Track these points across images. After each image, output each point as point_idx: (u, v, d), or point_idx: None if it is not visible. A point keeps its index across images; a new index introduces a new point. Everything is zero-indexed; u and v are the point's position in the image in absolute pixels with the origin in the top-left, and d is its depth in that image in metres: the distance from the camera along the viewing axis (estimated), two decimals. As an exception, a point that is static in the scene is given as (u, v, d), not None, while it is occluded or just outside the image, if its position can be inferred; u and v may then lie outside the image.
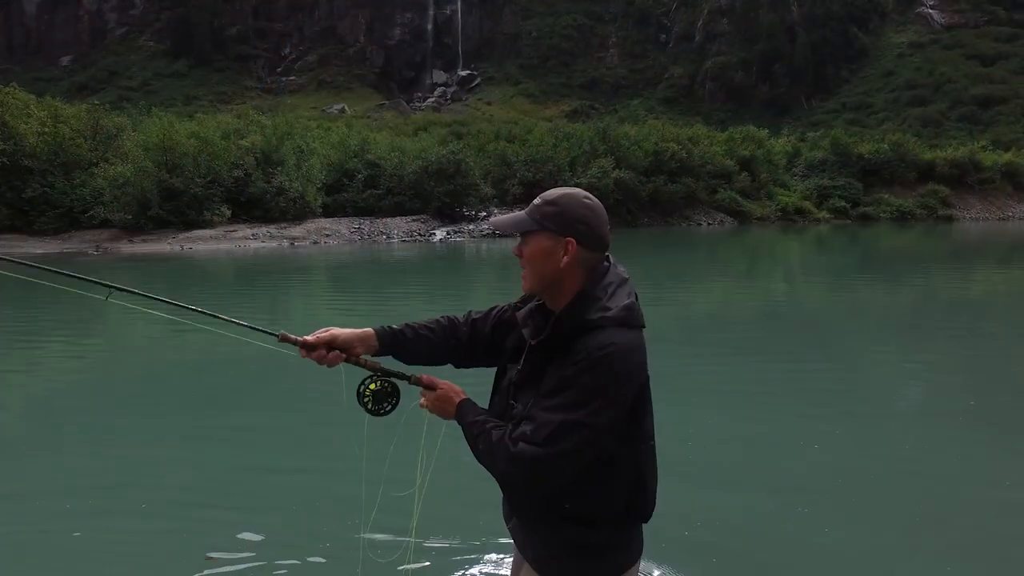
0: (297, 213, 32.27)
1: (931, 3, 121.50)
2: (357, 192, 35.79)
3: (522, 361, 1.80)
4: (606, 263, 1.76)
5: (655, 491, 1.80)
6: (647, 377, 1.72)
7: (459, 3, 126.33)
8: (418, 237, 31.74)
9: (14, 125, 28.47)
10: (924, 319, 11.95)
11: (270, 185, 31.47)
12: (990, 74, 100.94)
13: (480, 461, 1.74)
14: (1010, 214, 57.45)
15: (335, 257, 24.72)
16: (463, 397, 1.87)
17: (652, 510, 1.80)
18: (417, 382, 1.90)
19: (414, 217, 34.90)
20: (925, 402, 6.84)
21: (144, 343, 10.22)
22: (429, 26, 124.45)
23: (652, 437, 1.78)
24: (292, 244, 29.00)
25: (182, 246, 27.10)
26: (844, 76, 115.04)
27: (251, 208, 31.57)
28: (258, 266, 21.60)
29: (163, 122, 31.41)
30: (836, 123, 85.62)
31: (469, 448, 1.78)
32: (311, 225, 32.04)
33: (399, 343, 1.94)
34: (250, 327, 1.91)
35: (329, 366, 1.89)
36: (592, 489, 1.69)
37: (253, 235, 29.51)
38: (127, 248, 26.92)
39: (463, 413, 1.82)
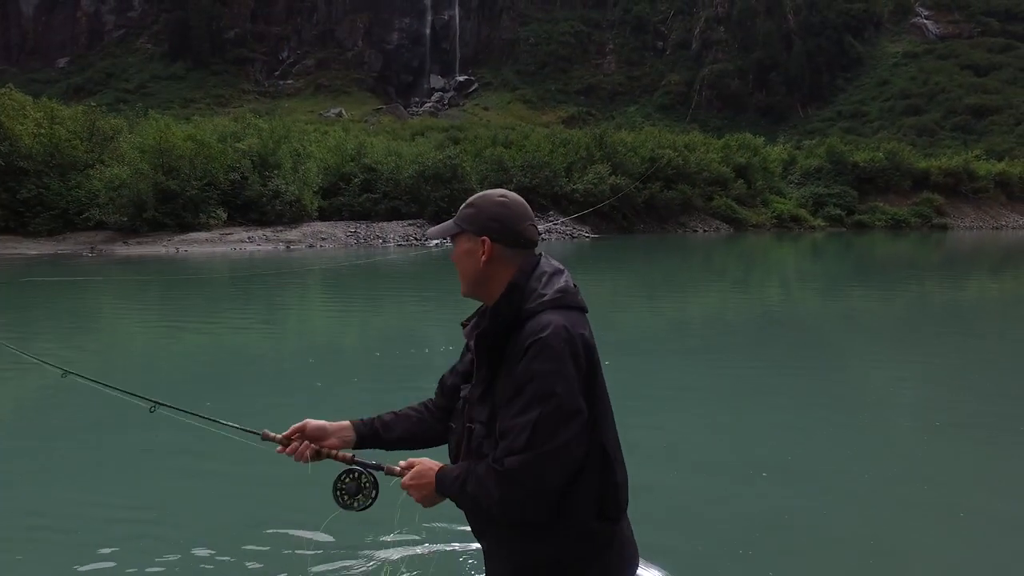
0: (293, 216, 32.25)
1: (926, 13, 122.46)
2: (353, 196, 35.81)
3: (473, 376, 1.75)
4: (537, 257, 1.75)
5: (625, 484, 1.70)
6: (595, 358, 1.65)
7: (457, 8, 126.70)
8: (414, 241, 31.75)
9: (10, 126, 28.41)
10: (916, 326, 12.00)
11: (266, 188, 31.47)
12: (984, 84, 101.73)
13: (477, 508, 1.64)
14: (1004, 223, 57.83)
15: (331, 260, 24.70)
16: (437, 465, 1.75)
17: (625, 506, 1.71)
18: (391, 471, 1.79)
19: (410, 221, 34.93)
20: (916, 408, 6.87)
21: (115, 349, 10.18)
22: (427, 31, 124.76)
23: (613, 422, 1.70)
24: (288, 247, 28.97)
25: (177, 248, 27.04)
26: (839, 85, 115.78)
27: (247, 211, 31.55)
28: (254, 269, 21.57)
29: (160, 124, 31.39)
30: (831, 131, 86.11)
31: (464, 511, 1.69)
32: (307, 228, 32.03)
33: (376, 427, 1.88)
34: (235, 426, 1.95)
35: (303, 461, 1.83)
36: (565, 490, 1.59)
37: (249, 238, 29.47)
38: (122, 250, 26.85)
39: (444, 476, 1.70)
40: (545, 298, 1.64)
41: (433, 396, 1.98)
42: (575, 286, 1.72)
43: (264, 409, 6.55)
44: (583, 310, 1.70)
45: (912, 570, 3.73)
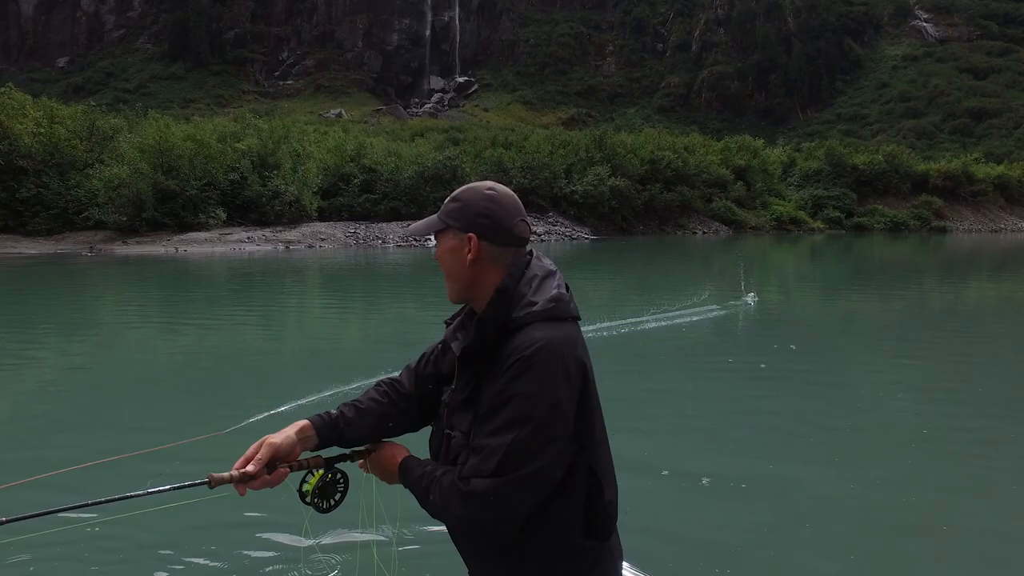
0: (292, 217, 32.27)
1: (925, 16, 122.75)
2: (353, 197, 35.86)
3: (454, 380, 1.62)
4: (528, 257, 1.61)
5: (615, 502, 1.61)
6: (589, 373, 1.54)
7: (457, 10, 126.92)
8: (413, 242, 31.76)
9: (10, 125, 28.44)
10: (914, 328, 12.01)
11: (266, 188, 31.49)
12: (983, 87, 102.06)
13: (436, 516, 1.56)
14: (1002, 226, 58.01)
15: (330, 261, 24.70)
16: (405, 454, 1.67)
17: (614, 524, 1.62)
18: (358, 456, 1.71)
19: (410, 222, 34.96)
20: (911, 414, 6.87)
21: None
22: (427, 32, 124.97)
23: (605, 441, 1.60)
24: (287, 248, 28.97)
25: (176, 248, 27.03)
26: (839, 87, 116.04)
27: (246, 211, 31.57)
28: (252, 269, 21.56)
29: (159, 124, 31.43)
30: (831, 134, 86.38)
31: (423, 508, 1.59)
32: (306, 229, 32.05)
33: (341, 428, 1.70)
34: (171, 488, 1.63)
35: (273, 487, 1.62)
36: (545, 510, 1.50)
37: (248, 238, 29.47)
38: (121, 250, 26.84)
39: (407, 471, 1.62)
40: (535, 308, 1.50)
41: (399, 375, 1.83)
42: (568, 291, 1.59)
43: (261, 408, 6.55)
44: (576, 319, 1.58)
45: None
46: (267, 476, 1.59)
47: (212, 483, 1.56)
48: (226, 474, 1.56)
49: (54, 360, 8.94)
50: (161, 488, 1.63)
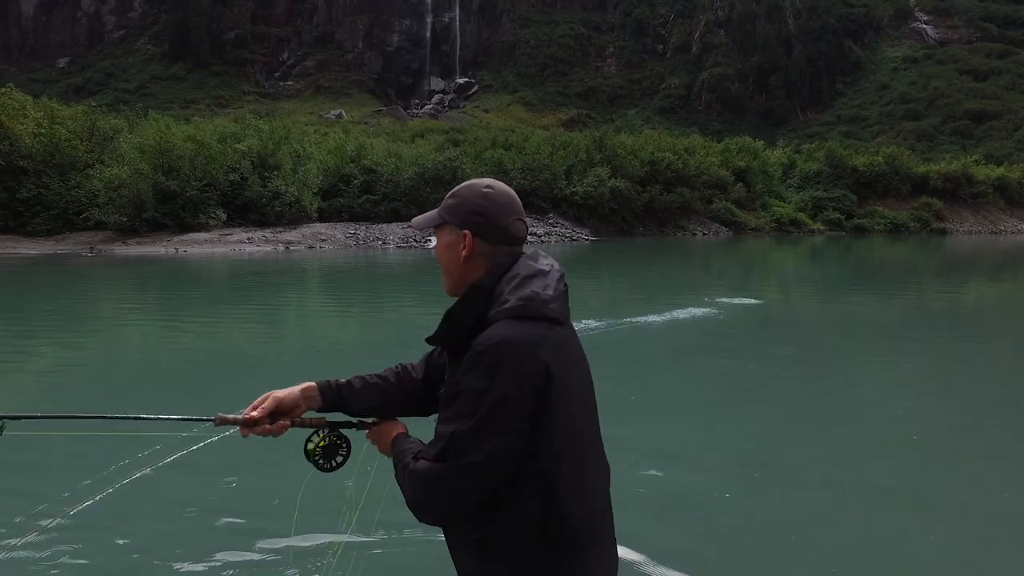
0: (293, 217, 32.28)
1: (925, 18, 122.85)
2: (353, 197, 35.86)
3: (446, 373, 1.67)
4: (514, 257, 1.60)
5: (582, 515, 1.53)
6: (554, 376, 1.47)
7: (457, 11, 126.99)
8: (413, 243, 31.79)
9: (10, 126, 28.45)
10: (913, 330, 12.03)
11: (266, 189, 31.50)
12: (983, 89, 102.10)
13: (402, 491, 1.61)
14: (1002, 228, 58.04)
15: (330, 262, 24.71)
16: (401, 431, 1.73)
17: (577, 536, 1.52)
18: (365, 425, 1.80)
19: (410, 223, 34.95)
20: (911, 414, 6.88)
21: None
22: (427, 33, 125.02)
23: (576, 453, 1.55)
24: (287, 248, 28.98)
25: (176, 249, 27.04)
26: (839, 89, 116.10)
27: (247, 212, 31.57)
28: (252, 270, 21.56)
29: (159, 125, 31.45)
30: (831, 135, 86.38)
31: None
32: (306, 230, 32.06)
33: (344, 395, 1.77)
34: (180, 419, 1.72)
35: (276, 436, 1.72)
36: (501, 509, 1.50)
37: (248, 239, 29.47)
38: (121, 250, 26.85)
39: (395, 446, 1.68)
40: (506, 305, 1.49)
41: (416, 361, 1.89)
42: (558, 291, 1.55)
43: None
44: (554, 321, 1.52)
45: None
46: (268, 425, 1.69)
47: (217, 421, 1.68)
48: (231, 415, 1.68)
49: (54, 359, 8.95)
50: (169, 416, 1.73)
